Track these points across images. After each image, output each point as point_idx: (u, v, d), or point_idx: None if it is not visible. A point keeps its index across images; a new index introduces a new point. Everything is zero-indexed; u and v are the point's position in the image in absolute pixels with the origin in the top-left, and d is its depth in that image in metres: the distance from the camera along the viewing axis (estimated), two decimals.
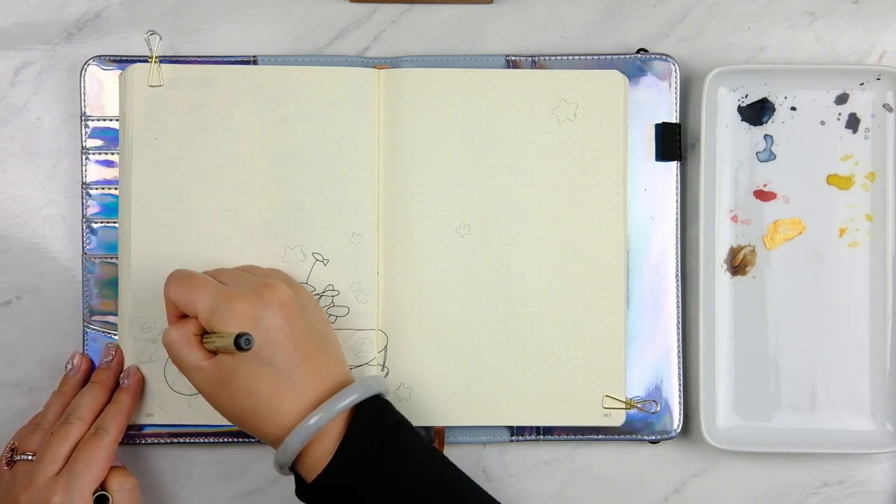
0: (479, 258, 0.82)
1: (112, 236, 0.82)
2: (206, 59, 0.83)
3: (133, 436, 0.81)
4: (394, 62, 0.83)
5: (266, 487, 0.84)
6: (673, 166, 0.83)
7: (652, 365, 0.83)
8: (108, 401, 0.79)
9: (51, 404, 0.79)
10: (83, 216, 0.82)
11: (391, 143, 0.82)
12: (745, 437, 0.83)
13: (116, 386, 0.80)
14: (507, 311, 0.82)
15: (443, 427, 0.82)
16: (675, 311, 0.83)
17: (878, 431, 0.83)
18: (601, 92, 0.82)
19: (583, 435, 0.82)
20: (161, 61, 0.82)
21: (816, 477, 0.84)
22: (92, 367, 0.82)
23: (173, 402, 0.81)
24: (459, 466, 0.75)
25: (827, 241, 0.84)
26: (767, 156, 0.84)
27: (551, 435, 0.82)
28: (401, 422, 0.74)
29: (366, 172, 0.82)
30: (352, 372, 0.80)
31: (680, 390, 0.82)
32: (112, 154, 0.83)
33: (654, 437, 0.83)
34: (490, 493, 0.74)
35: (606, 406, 0.82)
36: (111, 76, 0.82)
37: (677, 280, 0.83)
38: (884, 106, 0.83)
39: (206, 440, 0.82)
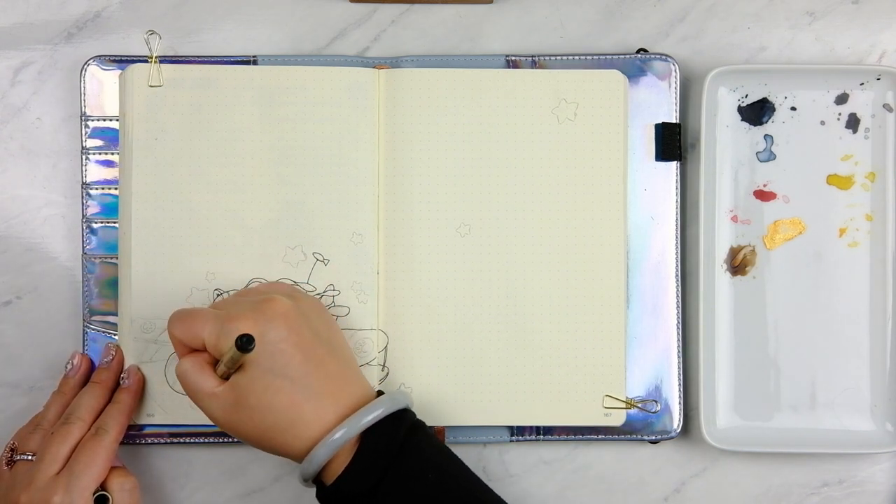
0: (480, 258, 0.82)
1: (112, 236, 0.82)
2: (206, 59, 0.83)
3: (133, 436, 0.81)
4: (394, 62, 0.83)
5: (266, 487, 0.83)
6: (673, 166, 0.83)
7: (652, 365, 0.83)
8: (109, 401, 0.79)
9: (51, 404, 0.79)
10: (83, 216, 0.82)
11: (391, 143, 0.82)
12: (745, 437, 0.83)
13: (116, 386, 0.80)
14: (508, 311, 0.82)
15: (443, 427, 0.82)
16: (675, 312, 0.83)
17: (878, 431, 0.83)
18: (601, 92, 0.82)
19: (583, 435, 0.82)
20: (161, 61, 0.82)
21: (816, 477, 0.84)
22: (92, 367, 0.81)
23: (174, 402, 0.81)
24: None
25: (827, 241, 0.84)
26: (767, 156, 0.84)
27: (551, 435, 0.82)
28: (417, 424, 0.73)
29: (366, 172, 0.82)
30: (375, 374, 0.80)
31: (680, 390, 0.82)
32: (112, 154, 0.83)
33: (654, 437, 0.83)
34: None
35: (606, 406, 0.82)
36: (111, 76, 0.82)
37: (677, 280, 0.83)
38: (884, 106, 0.83)
39: (206, 440, 0.82)
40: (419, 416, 0.75)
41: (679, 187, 0.83)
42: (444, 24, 0.85)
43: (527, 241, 0.82)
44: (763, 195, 0.84)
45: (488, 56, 0.83)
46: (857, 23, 0.85)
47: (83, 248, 0.82)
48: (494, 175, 0.82)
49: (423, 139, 0.82)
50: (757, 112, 0.84)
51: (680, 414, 0.82)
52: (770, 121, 0.84)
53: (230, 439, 0.82)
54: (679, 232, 0.83)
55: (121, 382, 0.80)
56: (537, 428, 0.82)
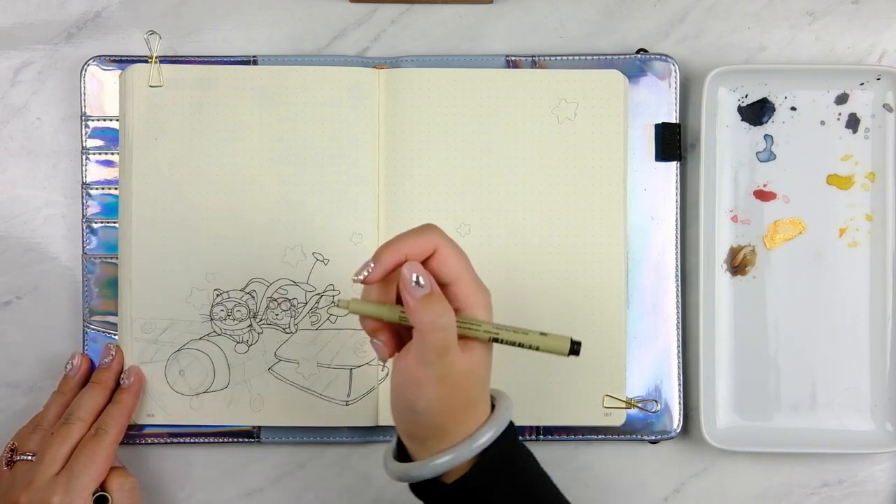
0: (480, 257, 0.82)
1: (112, 236, 0.82)
2: (206, 59, 0.83)
3: (133, 436, 0.81)
4: (394, 62, 0.83)
5: (266, 487, 0.83)
6: (673, 166, 0.83)
7: (652, 365, 0.83)
8: (109, 401, 0.79)
9: (51, 404, 0.79)
10: (83, 216, 0.82)
11: (391, 143, 0.82)
12: (745, 437, 0.83)
13: (117, 386, 0.80)
14: (508, 311, 0.81)
15: None
16: (675, 312, 0.83)
17: (878, 431, 0.83)
18: (601, 92, 0.82)
19: (583, 435, 0.82)
20: (161, 61, 0.82)
21: (816, 477, 0.84)
22: (92, 367, 0.81)
23: (174, 402, 0.81)
24: None
25: (827, 241, 0.83)
26: (767, 156, 0.84)
27: (551, 435, 0.82)
28: (517, 443, 0.71)
29: (366, 172, 0.82)
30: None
31: (680, 390, 0.82)
32: (112, 154, 0.83)
33: (654, 437, 0.83)
34: None
35: (607, 406, 0.82)
36: (111, 76, 0.82)
37: (677, 280, 0.83)
38: (884, 106, 0.83)
39: (206, 440, 0.82)
40: None
41: (679, 187, 0.83)
42: (444, 24, 0.85)
43: (527, 241, 0.82)
44: (763, 195, 0.84)
45: (488, 56, 0.83)
46: (857, 23, 0.85)
47: (83, 248, 0.82)
48: (494, 175, 0.82)
49: (423, 139, 0.82)
50: (757, 112, 0.84)
51: (680, 414, 0.82)
52: (770, 121, 0.84)
53: (230, 439, 0.82)
54: (679, 232, 0.83)
55: (121, 382, 0.80)
56: (537, 428, 0.82)
